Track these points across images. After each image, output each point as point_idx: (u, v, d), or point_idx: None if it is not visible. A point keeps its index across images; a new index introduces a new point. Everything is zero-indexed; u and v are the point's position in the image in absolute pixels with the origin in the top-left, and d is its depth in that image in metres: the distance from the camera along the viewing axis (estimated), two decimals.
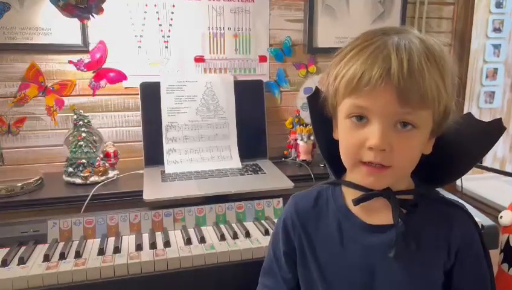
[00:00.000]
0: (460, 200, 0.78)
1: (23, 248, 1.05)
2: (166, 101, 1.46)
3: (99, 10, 1.28)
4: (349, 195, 0.70)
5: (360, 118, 0.61)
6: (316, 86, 0.73)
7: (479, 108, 2.19)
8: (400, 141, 0.60)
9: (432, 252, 0.67)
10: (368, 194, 0.66)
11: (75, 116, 1.39)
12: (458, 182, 1.57)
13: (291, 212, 0.76)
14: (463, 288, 0.69)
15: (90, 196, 1.25)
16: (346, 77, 0.61)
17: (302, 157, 1.56)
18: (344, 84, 0.61)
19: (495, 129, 0.66)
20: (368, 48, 0.60)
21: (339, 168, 0.72)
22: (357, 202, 0.67)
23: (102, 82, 1.52)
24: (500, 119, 0.67)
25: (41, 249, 1.05)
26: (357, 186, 0.67)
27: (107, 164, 1.40)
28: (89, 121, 1.40)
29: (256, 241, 1.09)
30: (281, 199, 1.26)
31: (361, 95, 0.60)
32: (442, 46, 0.63)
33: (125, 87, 1.54)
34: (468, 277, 0.68)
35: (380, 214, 0.68)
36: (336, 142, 0.69)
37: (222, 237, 1.10)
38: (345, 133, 0.64)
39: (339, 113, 0.66)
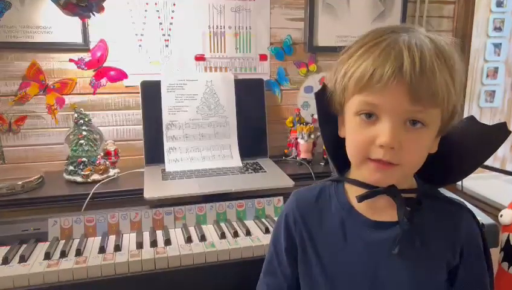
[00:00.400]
0: (460, 199, 0.78)
1: (24, 246, 1.06)
2: (167, 100, 1.46)
3: (100, 9, 1.28)
4: (353, 192, 0.70)
5: (370, 116, 0.61)
6: (324, 83, 0.72)
7: (479, 107, 2.18)
8: (409, 139, 0.60)
9: (435, 250, 0.67)
10: (372, 191, 0.66)
11: (75, 115, 1.39)
12: None
13: (293, 208, 0.76)
14: (464, 287, 0.69)
15: (90, 194, 1.25)
16: (356, 74, 0.60)
17: (303, 155, 1.56)
18: (354, 81, 0.61)
19: (500, 133, 0.66)
20: (379, 46, 0.59)
21: (342, 165, 0.72)
22: (361, 198, 0.67)
23: (103, 80, 1.52)
24: (505, 123, 0.66)
25: (42, 247, 1.05)
26: (361, 183, 0.67)
27: (107, 163, 1.40)
28: (89, 120, 1.40)
29: (256, 239, 1.09)
30: (281, 198, 1.26)
31: (372, 92, 0.59)
32: (451, 46, 0.62)
33: (126, 86, 1.54)
34: (469, 276, 0.69)
35: (384, 212, 0.68)
36: (341, 140, 0.68)
37: (223, 235, 1.10)
38: (353, 130, 0.64)
39: (346, 110, 0.66)
